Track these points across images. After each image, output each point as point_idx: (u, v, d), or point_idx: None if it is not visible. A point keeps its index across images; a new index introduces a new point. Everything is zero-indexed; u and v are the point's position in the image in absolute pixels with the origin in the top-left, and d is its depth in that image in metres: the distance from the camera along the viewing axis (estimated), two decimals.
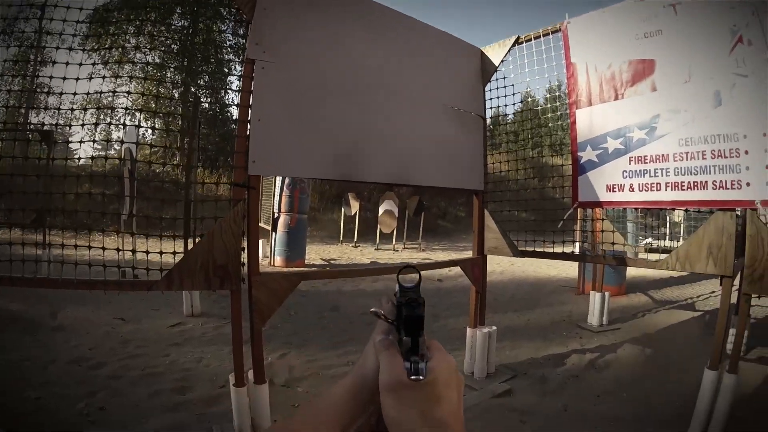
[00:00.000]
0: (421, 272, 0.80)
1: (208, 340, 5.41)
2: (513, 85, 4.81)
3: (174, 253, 3.06)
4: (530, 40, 4.55)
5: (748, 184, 3.19)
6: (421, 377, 0.64)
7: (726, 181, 3.31)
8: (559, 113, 4.76)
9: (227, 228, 2.92)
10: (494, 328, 4.67)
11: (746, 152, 3.20)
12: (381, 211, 16.83)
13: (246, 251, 3.06)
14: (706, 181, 3.42)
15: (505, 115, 5.09)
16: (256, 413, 3.16)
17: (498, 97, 4.86)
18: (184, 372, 4.41)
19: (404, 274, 0.81)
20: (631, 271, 10.12)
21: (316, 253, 14.35)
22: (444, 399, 0.65)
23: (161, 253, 3.09)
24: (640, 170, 3.78)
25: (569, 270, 11.22)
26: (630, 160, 3.84)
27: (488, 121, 4.92)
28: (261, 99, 3.09)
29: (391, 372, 0.66)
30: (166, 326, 5.89)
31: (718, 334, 3.42)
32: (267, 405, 3.21)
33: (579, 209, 4.55)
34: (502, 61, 4.68)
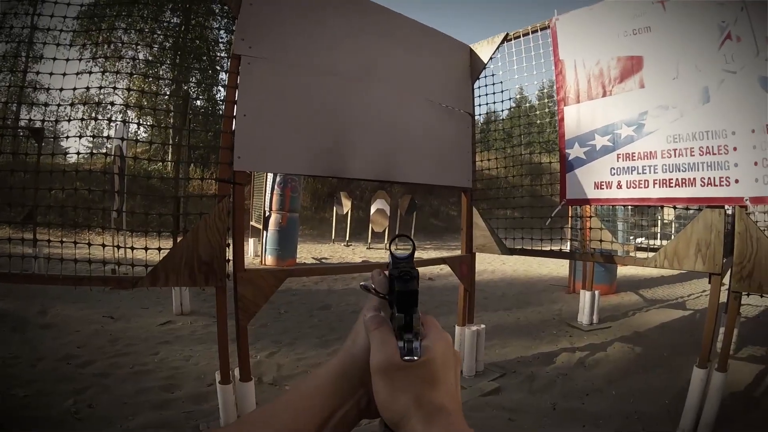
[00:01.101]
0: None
1: (197, 339, 5.39)
2: (501, 82, 4.82)
3: (159, 249, 3.04)
4: (519, 37, 4.55)
5: (737, 181, 3.20)
6: (415, 357, 0.59)
7: (714, 178, 3.31)
8: (547, 110, 4.76)
9: (212, 224, 2.91)
10: (483, 326, 4.67)
11: (735, 149, 3.20)
12: (373, 210, 16.86)
13: (231, 247, 3.05)
14: (694, 178, 3.42)
15: (494, 112, 5.08)
16: (243, 411, 3.14)
17: (487, 95, 4.86)
18: (173, 370, 4.40)
19: (397, 243, 0.76)
20: (622, 270, 10.17)
21: (307, 252, 14.36)
22: (440, 380, 0.60)
23: (146, 249, 3.07)
24: (628, 167, 3.78)
25: (560, 269, 11.27)
26: (618, 157, 3.84)
27: (480, 120, 4.92)
28: (246, 95, 3.08)
29: (382, 352, 0.60)
30: (155, 324, 5.87)
31: (706, 333, 3.43)
32: (253, 402, 3.20)
33: (569, 207, 4.55)
34: (490, 58, 4.68)
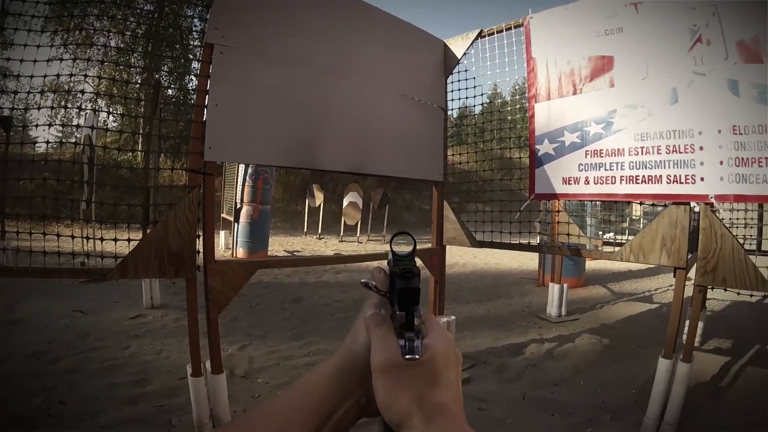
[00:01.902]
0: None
1: (168, 332, 5.35)
2: (474, 78, 4.86)
3: (129, 240, 3.00)
4: (493, 33, 4.57)
5: (702, 179, 3.27)
6: (416, 356, 0.58)
7: (680, 176, 3.38)
8: (518, 106, 4.80)
9: (182, 215, 2.88)
10: (453, 317, 4.71)
11: (701, 148, 3.27)
12: (345, 203, 16.85)
13: (201, 239, 3.03)
14: (660, 176, 3.49)
15: (466, 107, 5.11)
16: (215, 403, 3.13)
17: (459, 90, 4.90)
18: (144, 364, 4.37)
19: (398, 240, 0.74)
20: (591, 264, 10.34)
21: (279, 245, 14.31)
22: (442, 379, 0.59)
23: (116, 240, 3.04)
24: (595, 164, 3.84)
25: (530, 262, 11.41)
26: (586, 154, 3.91)
27: (452, 115, 4.95)
28: (218, 84, 3.05)
29: (383, 351, 0.59)
30: (125, 318, 5.81)
31: (671, 325, 3.50)
32: (225, 395, 3.18)
33: (540, 201, 4.61)
34: (464, 53, 4.70)
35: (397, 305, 0.62)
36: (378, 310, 0.67)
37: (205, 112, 3.02)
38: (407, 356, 0.58)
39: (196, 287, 3.03)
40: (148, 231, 2.99)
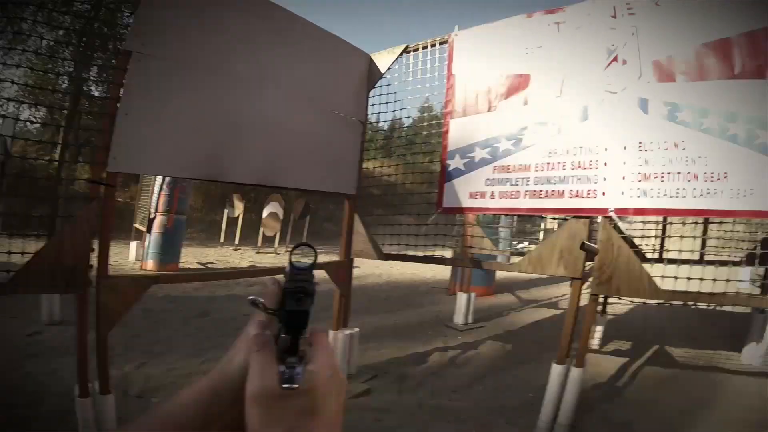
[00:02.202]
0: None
1: (66, 350, 5.04)
2: (396, 93, 4.92)
3: (23, 253, 2.83)
4: (418, 49, 4.66)
5: (603, 194, 3.44)
6: (294, 386, 0.54)
7: (582, 191, 3.55)
8: (435, 122, 4.86)
9: (78, 228, 2.76)
10: (357, 329, 4.76)
11: (605, 164, 3.44)
12: (265, 213, 16.57)
13: (96, 252, 2.90)
14: (563, 190, 3.64)
15: (383, 121, 5.15)
16: (102, 425, 3.00)
17: (380, 104, 4.95)
18: (37, 385, 4.12)
19: (299, 251, 0.70)
20: (502, 273, 10.63)
21: (192, 256, 13.81)
22: (319, 411, 0.54)
23: (9, 253, 2.87)
24: (502, 179, 3.96)
25: (446, 272, 11.60)
26: (494, 169, 4.01)
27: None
28: (132, 93, 2.96)
29: (260, 378, 0.54)
30: (23, 336, 5.44)
31: (565, 332, 3.68)
32: (113, 417, 3.05)
33: (455, 215, 4.70)
34: (389, 68, 4.77)
35: (284, 327, 0.59)
36: (262, 331, 0.62)
37: (114, 121, 2.91)
38: (285, 386, 0.54)
39: (88, 303, 2.93)
40: (44, 245, 2.84)
